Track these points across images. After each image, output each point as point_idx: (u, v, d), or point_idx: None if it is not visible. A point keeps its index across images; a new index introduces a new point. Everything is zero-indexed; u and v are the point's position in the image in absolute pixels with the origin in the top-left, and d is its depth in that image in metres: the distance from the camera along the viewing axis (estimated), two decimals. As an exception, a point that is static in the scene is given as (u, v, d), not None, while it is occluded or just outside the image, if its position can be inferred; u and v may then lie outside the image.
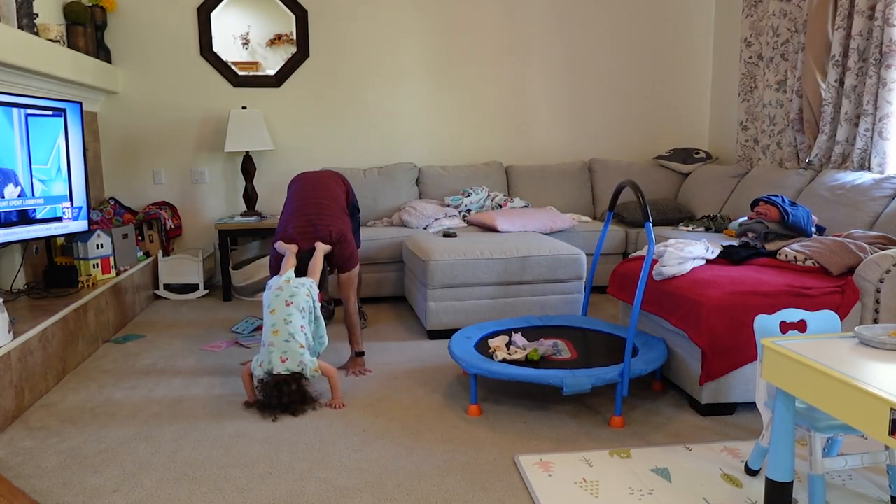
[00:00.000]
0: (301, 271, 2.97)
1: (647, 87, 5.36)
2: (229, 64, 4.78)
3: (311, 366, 2.66)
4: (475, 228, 4.40)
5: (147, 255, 4.49)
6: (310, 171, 3.52)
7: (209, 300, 4.55)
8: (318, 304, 2.88)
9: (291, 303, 2.76)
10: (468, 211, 4.68)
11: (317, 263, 3.02)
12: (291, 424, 2.54)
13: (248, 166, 4.65)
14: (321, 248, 3.05)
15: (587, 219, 4.82)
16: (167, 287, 4.58)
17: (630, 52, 5.29)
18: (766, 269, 2.81)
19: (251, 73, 4.83)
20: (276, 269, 3.08)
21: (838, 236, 2.96)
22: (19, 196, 3.09)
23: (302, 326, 2.74)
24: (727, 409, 2.60)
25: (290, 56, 4.84)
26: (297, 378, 2.63)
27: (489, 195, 4.77)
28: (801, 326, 2.04)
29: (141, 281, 4.24)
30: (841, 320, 2.34)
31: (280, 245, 3.07)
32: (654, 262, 2.91)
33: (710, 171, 4.86)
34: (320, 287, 2.99)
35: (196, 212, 4.93)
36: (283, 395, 2.58)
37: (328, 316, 3.92)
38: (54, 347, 2.96)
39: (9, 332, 2.60)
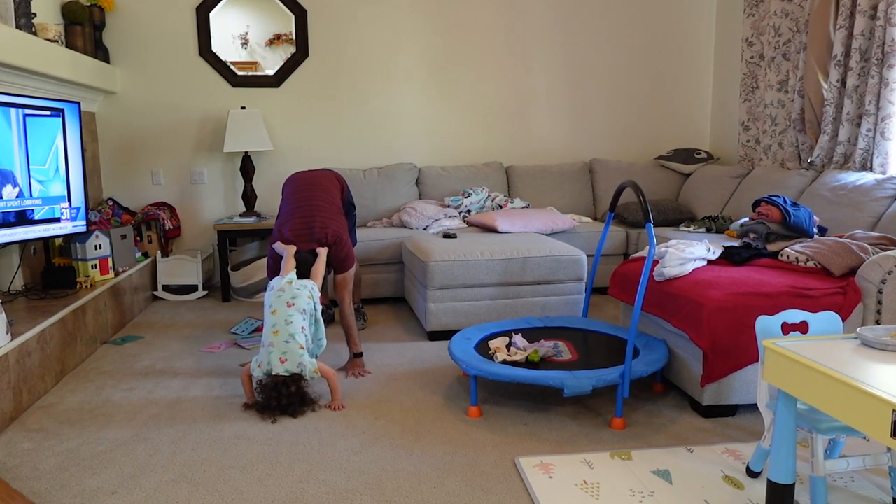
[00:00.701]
0: (299, 273, 2.95)
1: (648, 87, 5.35)
2: (228, 64, 4.77)
3: (311, 367, 2.65)
4: (475, 229, 4.39)
5: (146, 255, 4.48)
6: (304, 171, 3.50)
7: (208, 301, 4.54)
8: (320, 307, 2.88)
9: (293, 304, 2.76)
10: (468, 211, 4.67)
11: (319, 268, 3.00)
12: (291, 426, 2.53)
13: (247, 167, 4.64)
14: (324, 253, 3.05)
15: (588, 219, 4.81)
16: (166, 288, 4.57)
17: (631, 52, 5.28)
18: (768, 270, 2.79)
19: (250, 73, 4.82)
20: (273, 271, 3.07)
21: (840, 237, 2.95)
22: (17, 197, 3.08)
23: (303, 328, 2.73)
24: (728, 410, 2.59)
25: (289, 56, 4.83)
26: (295, 380, 2.62)
27: (489, 196, 4.76)
28: (802, 328, 2.03)
29: (139, 282, 4.23)
30: (843, 321, 2.33)
31: (279, 246, 3.06)
32: (655, 262, 2.90)
33: (712, 171, 4.85)
34: (321, 291, 2.98)
35: (195, 212, 4.92)
36: (282, 397, 2.58)
37: (329, 319, 3.91)
38: (52, 349, 2.95)
39: (7, 333, 2.59)
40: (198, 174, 4.87)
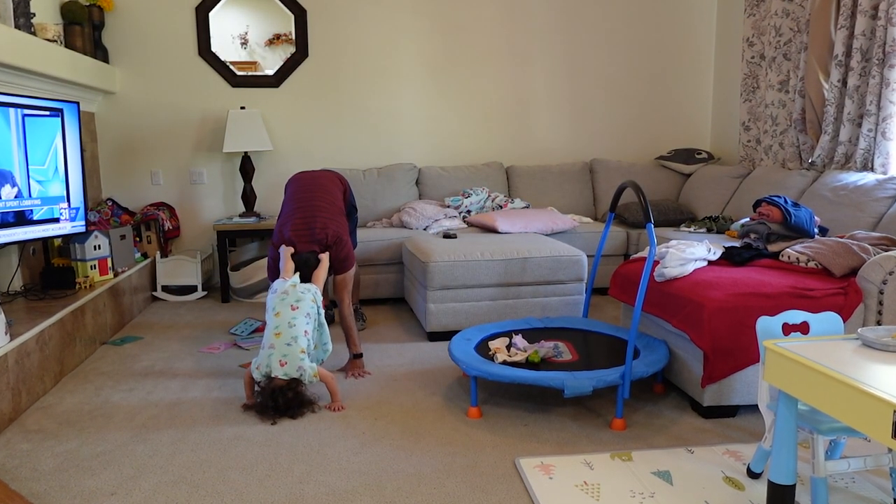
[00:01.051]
0: (300, 275, 2.94)
1: (649, 87, 5.34)
2: (228, 64, 4.77)
3: (310, 372, 2.63)
4: (475, 229, 4.38)
5: (145, 256, 4.48)
6: (306, 171, 3.50)
7: (207, 302, 4.53)
8: (322, 311, 2.86)
9: (297, 307, 2.74)
10: (468, 212, 4.66)
11: (321, 272, 2.99)
12: (290, 427, 2.53)
13: (246, 167, 4.63)
14: (326, 258, 3.03)
15: (588, 220, 4.80)
16: (165, 288, 4.56)
17: (631, 52, 5.27)
18: (769, 271, 2.79)
19: (250, 73, 4.81)
20: (274, 271, 3.06)
21: (841, 237, 2.94)
22: (16, 197, 3.08)
23: (306, 331, 2.71)
24: (729, 411, 2.58)
25: (288, 56, 4.82)
26: (293, 386, 2.60)
27: (489, 196, 4.76)
28: (803, 328, 2.03)
29: (139, 282, 4.22)
30: (844, 322, 2.32)
31: (283, 249, 3.05)
32: (656, 263, 2.89)
33: (712, 171, 4.85)
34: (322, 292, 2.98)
35: (194, 213, 4.91)
36: (279, 407, 2.56)
37: (329, 320, 3.90)
38: (51, 349, 2.94)
39: (6, 333, 2.58)
40: (197, 174, 4.86)
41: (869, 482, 2.10)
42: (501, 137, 5.21)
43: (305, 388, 2.65)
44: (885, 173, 3.62)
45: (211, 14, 4.69)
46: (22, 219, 3.12)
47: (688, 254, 2.84)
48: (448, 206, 4.67)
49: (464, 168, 4.98)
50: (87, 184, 3.94)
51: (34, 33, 3.60)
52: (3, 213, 3.00)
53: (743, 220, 3.64)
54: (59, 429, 2.54)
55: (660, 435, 2.45)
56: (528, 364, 2.63)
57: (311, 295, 2.82)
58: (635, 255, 3.31)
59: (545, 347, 2.74)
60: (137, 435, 2.48)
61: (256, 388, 2.67)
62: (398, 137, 5.07)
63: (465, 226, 4.52)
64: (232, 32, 4.75)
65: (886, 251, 2.67)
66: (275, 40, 4.81)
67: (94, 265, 3.64)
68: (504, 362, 2.64)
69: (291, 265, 2.94)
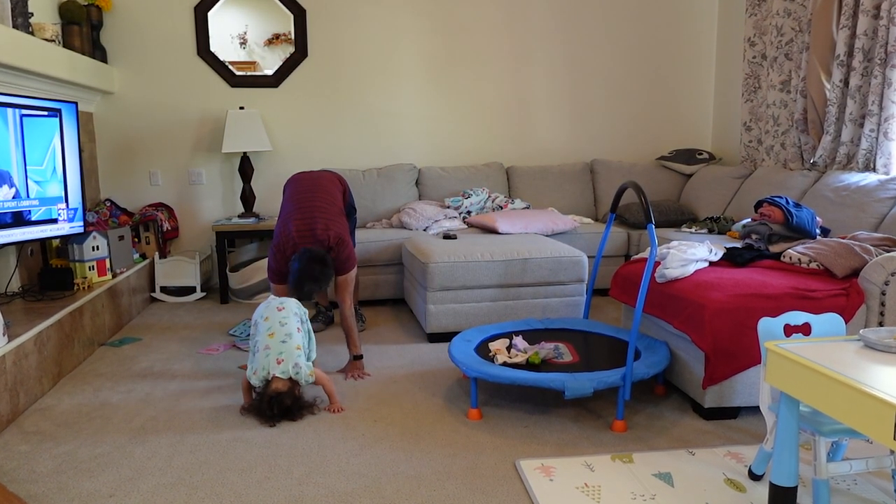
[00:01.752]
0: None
1: (650, 87, 5.33)
2: (227, 64, 4.76)
3: (307, 370, 2.62)
4: (475, 230, 4.37)
5: (143, 257, 4.47)
6: (305, 172, 3.48)
7: (206, 303, 4.52)
8: (309, 322, 2.87)
9: (283, 308, 2.76)
10: (468, 212, 4.65)
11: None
12: (289, 429, 2.52)
13: (245, 167, 4.62)
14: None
15: (589, 220, 4.79)
16: (164, 289, 4.55)
17: (632, 52, 5.26)
18: (770, 272, 2.78)
19: (249, 73, 4.80)
20: (274, 272, 3.05)
21: (843, 238, 2.93)
22: (14, 197, 3.06)
23: (298, 328, 2.71)
24: (731, 412, 2.57)
25: (288, 56, 4.81)
26: (290, 394, 2.58)
27: (489, 196, 4.75)
28: (805, 329, 2.02)
29: (137, 283, 4.21)
30: (846, 323, 2.32)
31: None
32: (657, 264, 2.88)
33: (714, 172, 4.84)
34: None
35: (193, 213, 4.90)
36: (276, 415, 2.55)
37: (329, 321, 3.90)
38: (49, 350, 2.93)
39: (4, 335, 2.57)
40: (196, 175, 4.85)
41: (871, 484, 2.09)
42: (501, 138, 5.20)
43: (301, 391, 2.63)
44: (887, 174, 3.61)
45: (210, 14, 4.68)
46: (20, 219, 3.11)
47: (689, 255, 2.83)
48: (448, 207, 4.66)
49: (464, 168, 4.97)
50: (85, 184, 3.93)
51: (32, 33, 3.59)
52: (0, 213, 2.99)
53: (744, 221, 3.62)
54: (58, 430, 2.53)
55: (661, 437, 2.44)
56: (528, 365, 2.62)
57: (294, 302, 2.84)
58: (636, 256, 3.30)
59: (545, 349, 2.73)
60: (136, 436, 2.47)
61: (254, 393, 2.66)
62: (398, 137, 5.06)
63: (466, 226, 4.51)
64: (231, 32, 4.74)
65: (888, 252, 2.66)
66: (274, 40, 4.80)
67: (93, 266, 3.63)
68: (504, 364, 2.63)
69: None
